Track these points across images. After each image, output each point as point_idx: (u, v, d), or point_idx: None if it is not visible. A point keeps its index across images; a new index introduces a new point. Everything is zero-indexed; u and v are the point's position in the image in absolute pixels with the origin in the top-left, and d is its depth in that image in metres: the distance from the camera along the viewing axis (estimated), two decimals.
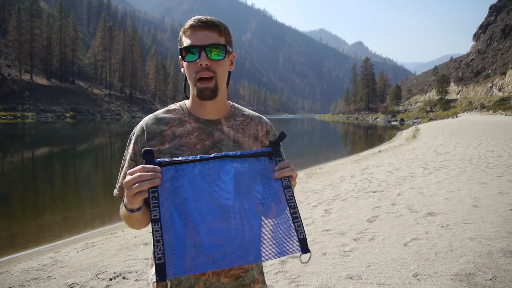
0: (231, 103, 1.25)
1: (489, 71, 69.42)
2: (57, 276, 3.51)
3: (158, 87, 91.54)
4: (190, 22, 1.10)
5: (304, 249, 0.97)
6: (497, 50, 72.24)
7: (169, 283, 0.91)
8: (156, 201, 0.91)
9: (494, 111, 53.53)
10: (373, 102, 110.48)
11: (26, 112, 51.24)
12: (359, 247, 3.67)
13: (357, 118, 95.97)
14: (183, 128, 1.14)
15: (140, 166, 0.93)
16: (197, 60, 1.07)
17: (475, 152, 10.96)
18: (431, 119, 56.86)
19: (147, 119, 1.17)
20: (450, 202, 5.16)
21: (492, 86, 65.24)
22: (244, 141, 1.17)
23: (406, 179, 7.40)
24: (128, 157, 1.14)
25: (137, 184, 0.90)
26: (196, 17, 1.10)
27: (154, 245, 0.89)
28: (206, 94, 1.10)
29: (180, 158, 0.97)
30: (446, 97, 78.35)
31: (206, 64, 1.07)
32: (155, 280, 0.87)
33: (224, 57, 1.10)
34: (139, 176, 0.90)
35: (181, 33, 1.13)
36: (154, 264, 1.15)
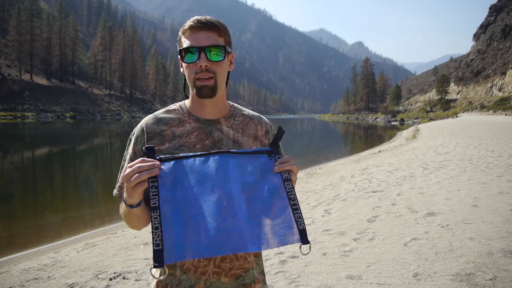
0: (231, 103, 1.25)
1: (489, 71, 69.42)
2: (57, 276, 3.51)
3: (158, 87, 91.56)
4: (189, 22, 1.10)
5: (304, 240, 0.98)
6: (497, 50, 72.23)
7: (169, 281, 0.91)
8: (156, 190, 0.92)
9: (494, 111, 53.53)
10: (373, 102, 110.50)
11: (26, 112, 51.25)
12: (359, 247, 3.67)
13: (357, 118, 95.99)
14: (183, 128, 1.14)
15: (140, 159, 0.94)
16: (197, 61, 1.07)
17: (475, 152, 10.96)
18: (431, 119, 56.87)
19: (147, 119, 1.17)
20: (450, 202, 5.16)
21: (492, 86, 65.24)
22: (243, 140, 1.18)
23: (406, 179, 7.40)
24: (128, 157, 1.15)
25: (136, 174, 0.91)
26: (196, 17, 1.10)
27: (152, 233, 0.89)
28: (205, 92, 1.10)
29: (180, 154, 0.99)
30: (446, 97, 78.35)
31: (206, 66, 1.07)
32: (152, 266, 0.87)
33: (224, 58, 1.11)
34: (138, 167, 0.91)
35: (180, 33, 1.13)
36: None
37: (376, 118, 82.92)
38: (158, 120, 1.15)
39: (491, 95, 63.96)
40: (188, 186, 0.95)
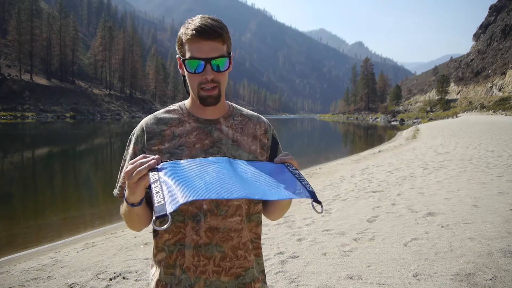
0: (230, 103, 1.25)
1: (489, 71, 69.41)
2: (57, 276, 3.51)
3: (158, 87, 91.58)
4: (191, 29, 1.05)
5: (315, 199, 0.93)
6: (497, 50, 72.23)
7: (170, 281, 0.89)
8: (156, 170, 0.90)
9: (494, 111, 53.52)
10: (373, 102, 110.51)
11: (26, 112, 51.26)
12: (359, 247, 3.67)
13: (357, 118, 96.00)
14: (183, 127, 1.14)
15: (141, 155, 0.94)
16: (202, 73, 1.06)
17: (475, 152, 10.96)
18: (431, 119, 56.87)
19: (146, 119, 1.18)
20: (450, 202, 5.16)
21: (492, 86, 65.23)
22: (242, 140, 1.18)
23: (406, 179, 7.40)
24: (128, 157, 1.15)
25: (138, 169, 0.90)
26: (198, 22, 1.06)
27: (153, 197, 0.83)
28: (210, 102, 1.11)
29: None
30: (446, 97, 78.35)
31: (212, 78, 1.07)
32: (154, 218, 0.82)
33: (229, 66, 1.11)
34: (140, 162, 0.92)
35: (183, 39, 1.08)
36: (154, 264, 1.15)
37: (376, 118, 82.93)
38: (158, 120, 1.16)
39: (491, 95, 63.96)
40: (189, 169, 0.92)
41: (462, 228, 3.99)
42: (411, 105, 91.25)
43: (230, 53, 1.12)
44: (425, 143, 15.76)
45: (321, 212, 0.94)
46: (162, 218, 0.80)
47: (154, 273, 1.14)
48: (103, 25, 79.85)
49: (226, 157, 1.00)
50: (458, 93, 77.33)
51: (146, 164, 0.91)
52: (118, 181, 1.16)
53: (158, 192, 0.84)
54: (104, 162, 16.76)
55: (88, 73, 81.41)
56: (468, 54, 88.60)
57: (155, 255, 1.15)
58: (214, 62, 1.06)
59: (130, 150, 1.15)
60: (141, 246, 4.31)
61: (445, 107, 73.27)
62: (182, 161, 0.94)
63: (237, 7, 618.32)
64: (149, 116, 1.19)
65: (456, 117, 53.65)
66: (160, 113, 1.19)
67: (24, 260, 4.34)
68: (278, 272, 3.17)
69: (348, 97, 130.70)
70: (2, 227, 6.34)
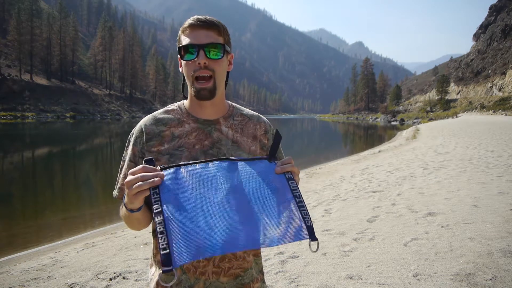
0: (230, 102, 1.25)
1: (489, 71, 69.41)
2: (57, 276, 3.51)
3: (158, 87, 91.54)
4: (189, 21, 1.10)
5: (312, 236, 0.95)
6: (497, 50, 72.22)
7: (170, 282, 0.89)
8: (158, 196, 0.90)
9: (494, 111, 53.53)
10: (373, 102, 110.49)
11: (26, 112, 51.25)
12: (359, 247, 3.67)
13: (357, 118, 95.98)
14: (182, 128, 1.14)
15: (141, 166, 0.92)
16: (196, 59, 1.07)
17: (475, 152, 10.96)
18: (431, 119, 56.87)
19: (145, 119, 1.17)
20: (450, 202, 5.16)
21: (492, 86, 65.23)
22: (242, 140, 1.18)
23: (406, 179, 7.40)
24: (127, 158, 1.14)
25: (138, 183, 0.90)
26: (195, 16, 1.10)
27: (158, 238, 0.85)
28: (204, 95, 1.09)
29: (180, 163, 0.98)
30: (446, 97, 78.35)
31: (205, 63, 1.07)
32: (161, 271, 0.84)
33: (223, 56, 1.10)
34: (141, 176, 0.90)
35: (180, 32, 1.13)
36: (154, 263, 1.15)
37: (376, 118, 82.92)
38: (157, 121, 1.15)
39: (491, 95, 63.96)
40: (190, 189, 0.94)
41: (462, 228, 3.99)
42: (411, 105, 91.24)
43: (226, 47, 1.12)
44: (425, 143, 15.76)
45: (316, 251, 0.95)
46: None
47: (154, 273, 1.14)
48: (103, 25, 79.83)
49: (226, 163, 0.99)
50: (458, 93, 77.32)
51: (149, 181, 0.90)
52: (118, 182, 1.16)
53: (162, 232, 0.85)
54: (104, 162, 16.76)
55: (88, 73, 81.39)
56: (468, 54, 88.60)
57: (155, 255, 1.15)
58: (207, 48, 1.07)
59: (129, 151, 1.14)
60: (141, 246, 4.31)
61: (445, 107, 73.26)
62: (184, 175, 0.94)
63: (237, 7, 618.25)
64: (148, 116, 1.18)
65: (456, 117, 53.65)
66: (159, 113, 1.18)
67: (24, 260, 4.34)
68: (278, 272, 3.17)
69: (348, 97, 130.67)
70: (2, 227, 6.34)
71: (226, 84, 1.19)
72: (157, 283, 1.11)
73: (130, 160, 1.13)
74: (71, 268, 3.70)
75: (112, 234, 5.32)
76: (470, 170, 7.74)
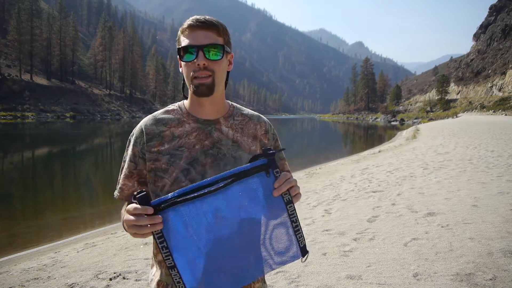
0: (230, 102, 1.25)
1: (489, 71, 69.40)
2: (57, 276, 3.51)
3: (158, 87, 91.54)
4: (188, 22, 1.09)
5: (304, 252, 1.04)
6: (497, 50, 72.22)
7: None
8: (167, 250, 0.91)
9: (494, 111, 53.53)
10: (373, 102, 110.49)
11: (26, 112, 51.24)
12: (359, 247, 3.67)
13: (357, 118, 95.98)
14: (182, 128, 1.14)
15: (133, 206, 0.91)
16: (195, 60, 1.07)
17: (475, 152, 10.96)
18: (431, 119, 56.87)
19: (145, 120, 1.17)
20: (450, 202, 5.16)
21: (492, 86, 65.23)
22: (243, 140, 1.17)
23: (406, 179, 7.40)
24: (127, 159, 1.15)
25: (138, 230, 0.91)
26: (195, 17, 1.10)
27: (176, 286, 0.93)
28: (203, 90, 1.09)
29: (174, 194, 0.92)
30: (446, 97, 78.34)
31: (204, 64, 1.07)
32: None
33: (222, 57, 1.10)
34: (136, 219, 0.90)
35: (179, 33, 1.12)
36: (155, 264, 1.15)
37: (376, 118, 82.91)
38: (157, 121, 1.15)
39: (491, 95, 63.96)
40: (192, 233, 0.93)
41: (462, 228, 3.99)
42: (411, 105, 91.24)
43: (225, 47, 1.11)
44: (425, 143, 15.76)
45: (305, 261, 1.04)
46: None
47: (155, 273, 1.14)
48: (103, 25, 79.83)
49: (219, 197, 0.95)
50: (458, 93, 77.32)
51: (149, 228, 0.91)
52: (119, 182, 1.16)
53: (179, 281, 0.93)
54: (104, 162, 16.76)
55: (88, 73, 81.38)
56: (468, 54, 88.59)
57: (155, 255, 1.15)
58: (206, 49, 1.07)
59: (130, 151, 1.14)
60: (141, 246, 4.31)
61: (445, 107, 73.26)
62: (180, 209, 0.93)
63: (237, 7, 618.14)
64: (148, 116, 1.18)
65: (456, 117, 53.65)
66: (159, 113, 1.18)
67: (24, 260, 4.34)
68: (278, 272, 3.17)
69: (348, 97, 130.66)
70: (2, 227, 6.34)
71: (226, 83, 1.19)
72: (158, 284, 1.11)
73: (130, 161, 1.14)
74: (71, 268, 3.70)
75: (112, 234, 5.32)
76: (470, 170, 7.74)
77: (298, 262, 3.35)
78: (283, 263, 1.04)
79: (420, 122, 51.17)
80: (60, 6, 71.40)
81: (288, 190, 1.00)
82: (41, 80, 62.42)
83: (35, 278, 3.48)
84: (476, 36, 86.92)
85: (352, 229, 4.30)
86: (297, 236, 1.02)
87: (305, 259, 1.03)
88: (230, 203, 0.96)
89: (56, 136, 28.26)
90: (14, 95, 53.47)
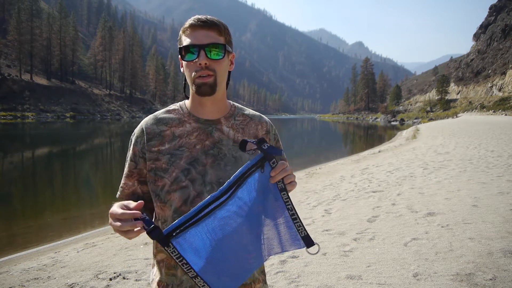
0: (231, 102, 1.25)
1: (489, 71, 69.41)
2: (57, 276, 3.51)
3: (158, 87, 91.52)
4: (189, 21, 1.09)
5: (308, 243, 1.02)
6: (497, 50, 72.22)
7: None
8: (188, 265, 0.91)
9: (494, 111, 53.53)
10: (373, 102, 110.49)
11: (26, 112, 51.23)
12: (359, 247, 3.67)
13: (357, 118, 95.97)
14: (183, 128, 1.14)
15: (120, 212, 0.90)
16: (196, 60, 1.07)
17: (475, 152, 10.96)
18: (431, 119, 56.85)
19: (146, 119, 1.17)
20: (450, 202, 5.16)
21: (492, 86, 65.23)
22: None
23: (406, 179, 7.40)
24: (128, 158, 1.15)
25: (124, 235, 0.90)
26: (196, 16, 1.10)
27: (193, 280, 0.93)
28: (205, 90, 1.09)
29: (185, 217, 0.91)
30: (446, 97, 78.35)
31: (205, 63, 1.07)
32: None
33: (223, 56, 1.10)
34: (122, 225, 0.88)
35: (181, 32, 1.12)
36: (155, 263, 1.15)
37: (376, 118, 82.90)
38: (158, 121, 1.15)
39: (491, 95, 63.96)
40: (205, 242, 0.94)
41: (462, 228, 3.99)
42: (411, 105, 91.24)
43: (226, 46, 1.11)
44: (425, 143, 15.76)
45: (316, 253, 1.01)
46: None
47: (156, 273, 1.14)
48: (103, 25, 79.81)
49: (224, 204, 0.96)
50: (458, 93, 77.33)
51: (135, 232, 0.89)
52: (121, 182, 1.17)
53: (204, 286, 0.95)
54: (104, 162, 16.76)
55: (88, 73, 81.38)
56: (468, 54, 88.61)
57: (155, 255, 1.15)
58: (208, 48, 1.07)
59: (131, 150, 1.15)
60: (141, 246, 4.31)
61: (445, 107, 73.26)
62: (189, 232, 0.92)
63: (237, 7, 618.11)
64: (149, 116, 1.18)
65: (456, 117, 53.65)
66: (160, 113, 1.18)
67: (24, 260, 4.34)
68: (278, 272, 3.17)
69: (348, 97, 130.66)
70: (2, 227, 6.33)
71: (227, 83, 1.19)
72: (159, 284, 1.11)
73: (131, 160, 1.14)
74: (71, 268, 3.70)
75: (112, 234, 5.31)
76: (470, 170, 7.74)
77: (298, 261, 3.35)
78: (283, 250, 1.05)
79: (420, 122, 51.17)
80: (60, 6, 71.37)
81: (282, 178, 1.00)
82: (41, 80, 62.40)
83: (35, 278, 3.48)
84: (476, 36, 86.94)
85: (352, 229, 4.30)
86: (296, 225, 1.02)
87: (317, 250, 0.99)
88: (235, 207, 0.97)
89: (56, 136, 28.26)
90: (14, 95, 53.45)
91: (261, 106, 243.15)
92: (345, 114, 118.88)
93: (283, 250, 1.05)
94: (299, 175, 9.94)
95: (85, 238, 5.37)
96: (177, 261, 0.90)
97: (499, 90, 62.36)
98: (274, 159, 1.00)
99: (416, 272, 2.97)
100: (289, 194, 1.02)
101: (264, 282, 1.19)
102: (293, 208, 1.01)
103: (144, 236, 4.34)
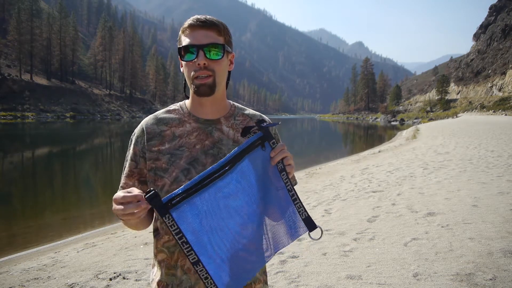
0: (232, 102, 1.25)
1: (489, 71, 69.41)
2: (57, 276, 3.51)
3: (158, 87, 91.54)
4: (189, 21, 1.10)
5: (311, 226, 1.00)
6: (497, 50, 72.22)
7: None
8: (188, 245, 0.88)
9: (494, 111, 53.53)
10: (373, 102, 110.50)
11: (26, 112, 51.23)
12: (359, 247, 3.67)
13: (357, 118, 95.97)
14: (183, 128, 1.14)
15: (120, 195, 0.88)
16: (195, 60, 1.07)
17: (475, 152, 10.96)
18: (431, 119, 56.85)
19: (147, 119, 1.18)
20: (450, 202, 5.15)
21: (492, 86, 65.23)
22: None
23: (406, 179, 7.40)
24: (129, 158, 1.16)
25: (127, 217, 0.89)
26: (195, 16, 1.10)
27: (204, 282, 0.90)
28: (204, 90, 1.09)
29: (185, 187, 0.90)
30: (446, 97, 78.35)
31: (204, 63, 1.07)
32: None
33: (223, 56, 1.10)
34: (124, 208, 0.87)
35: (180, 32, 1.13)
36: (156, 263, 1.15)
37: (376, 118, 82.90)
38: (158, 121, 1.15)
39: (491, 95, 63.96)
40: (210, 222, 0.92)
41: (462, 228, 3.99)
42: (411, 105, 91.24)
43: (226, 46, 1.11)
44: (425, 143, 15.76)
45: (319, 238, 1.00)
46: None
47: (156, 273, 1.14)
48: (103, 25, 79.81)
49: (228, 181, 0.95)
50: (458, 93, 77.33)
51: (137, 213, 0.88)
52: (121, 181, 1.17)
53: (206, 277, 0.90)
54: (104, 162, 16.76)
55: (88, 73, 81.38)
56: (468, 54, 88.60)
57: (155, 255, 1.15)
58: (207, 48, 1.07)
59: (131, 150, 1.15)
60: (141, 246, 4.31)
61: (445, 107, 73.26)
62: (192, 200, 0.90)
63: (237, 7, 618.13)
64: (150, 116, 1.19)
65: (456, 117, 53.64)
66: (160, 113, 1.18)
67: (24, 260, 4.34)
68: (278, 272, 3.17)
69: (348, 97, 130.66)
70: (2, 227, 6.34)
71: (227, 83, 1.19)
72: (159, 284, 1.11)
73: (131, 160, 1.15)
74: (71, 268, 3.70)
75: (112, 234, 5.32)
76: (470, 170, 7.74)
77: (298, 261, 3.35)
78: (292, 239, 1.01)
79: (420, 122, 51.17)
80: (60, 6, 71.37)
81: (282, 159, 1.01)
82: (41, 80, 62.40)
83: (35, 278, 3.48)
84: (476, 36, 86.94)
85: (352, 229, 4.30)
86: (296, 205, 1.00)
87: (320, 236, 0.97)
88: (238, 184, 0.97)
89: (56, 136, 28.26)
90: (14, 95, 53.45)
91: (261, 106, 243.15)
92: (345, 114, 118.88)
93: (287, 242, 1.02)
94: (299, 175, 9.94)
95: (85, 238, 5.37)
96: (176, 237, 0.87)
97: (499, 90, 62.36)
98: (274, 140, 1.01)
99: (416, 272, 2.97)
100: (294, 175, 1.03)
101: (265, 282, 1.19)
102: (292, 189, 1.01)
103: (144, 236, 4.34)
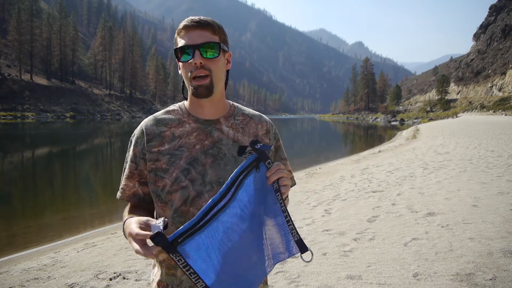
0: (231, 102, 1.25)
1: (489, 71, 69.42)
2: (57, 276, 3.51)
3: (158, 87, 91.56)
4: (183, 23, 1.10)
5: (302, 248, 0.99)
6: (497, 50, 72.23)
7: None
8: (196, 275, 0.89)
9: (494, 111, 53.54)
10: (373, 102, 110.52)
11: (26, 112, 51.24)
12: (359, 247, 3.67)
13: (357, 118, 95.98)
14: (183, 128, 1.14)
15: (135, 231, 0.93)
16: (192, 60, 1.07)
17: (475, 152, 10.96)
18: (431, 119, 56.86)
19: (146, 120, 1.18)
20: (450, 202, 5.16)
21: (492, 86, 65.24)
22: (243, 140, 1.17)
23: (406, 179, 7.40)
24: (129, 159, 1.15)
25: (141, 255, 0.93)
26: (190, 17, 1.11)
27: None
28: (201, 92, 1.09)
29: (189, 224, 0.90)
30: (446, 97, 78.37)
31: (200, 63, 1.07)
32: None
33: (219, 55, 1.10)
34: (137, 251, 0.93)
35: (176, 34, 1.13)
36: (156, 264, 1.16)
37: (376, 118, 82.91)
38: (158, 121, 1.15)
39: (491, 95, 63.97)
40: (211, 252, 0.93)
41: (462, 228, 3.99)
42: (411, 105, 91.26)
43: (221, 45, 1.11)
44: (425, 143, 15.76)
45: (310, 261, 0.99)
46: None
47: (156, 273, 1.15)
48: (103, 25, 79.82)
49: (225, 209, 0.94)
50: (458, 93, 77.34)
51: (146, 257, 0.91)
52: (121, 182, 1.17)
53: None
54: (104, 162, 16.76)
55: (88, 73, 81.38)
56: (468, 54, 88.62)
57: (156, 255, 1.15)
58: (202, 48, 1.07)
59: (131, 152, 1.15)
60: None
61: (445, 107, 73.28)
62: (195, 239, 0.91)
63: (237, 7, 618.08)
64: (149, 117, 1.19)
65: (456, 117, 53.65)
66: (160, 114, 1.18)
67: (24, 260, 4.34)
68: (278, 272, 3.17)
69: (348, 97, 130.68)
70: (2, 227, 6.34)
71: (226, 83, 1.19)
72: (159, 284, 1.12)
73: (131, 161, 1.15)
74: (71, 268, 3.70)
75: (112, 234, 5.32)
76: (470, 170, 7.74)
77: (298, 261, 3.35)
78: (282, 258, 1.02)
79: (420, 122, 51.18)
80: (60, 6, 71.37)
81: (277, 180, 0.98)
82: (41, 80, 62.41)
83: (35, 278, 3.48)
84: (476, 36, 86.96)
85: (352, 229, 4.30)
86: (289, 227, 0.99)
87: (311, 258, 0.97)
88: (241, 213, 0.96)
89: (56, 136, 28.26)
90: (14, 95, 53.46)
91: (261, 106, 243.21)
92: (345, 114, 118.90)
93: (279, 261, 1.04)
94: (299, 175, 9.94)
95: (85, 238, 5.37)
96: (184, 270, 0.88)
97: (499, 90, 62.37)
98: (269, 160, 0.98)
99: (416, 272, 2.97)
100: (288, 195, 1.02)
101: (265, 283, 1.20)
102: (286, 210, 1.00)
103: None
